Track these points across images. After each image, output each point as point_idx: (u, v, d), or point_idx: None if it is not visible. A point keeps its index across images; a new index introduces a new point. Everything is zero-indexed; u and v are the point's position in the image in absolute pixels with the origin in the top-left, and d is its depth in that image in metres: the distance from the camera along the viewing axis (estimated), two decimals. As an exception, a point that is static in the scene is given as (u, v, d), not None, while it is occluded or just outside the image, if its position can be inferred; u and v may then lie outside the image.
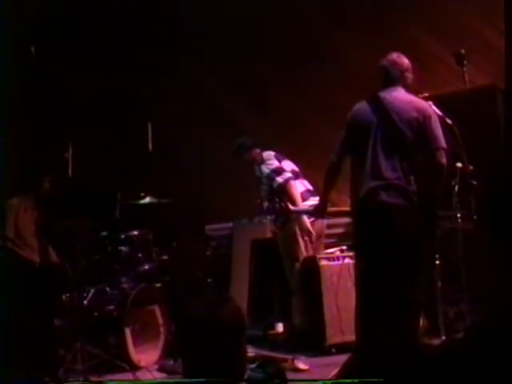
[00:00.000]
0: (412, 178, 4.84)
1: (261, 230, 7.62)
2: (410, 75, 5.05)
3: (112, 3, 8.09)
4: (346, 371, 1.93)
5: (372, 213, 4.88)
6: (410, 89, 5.05)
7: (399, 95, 4.97)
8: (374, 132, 4.92)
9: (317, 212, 5.51)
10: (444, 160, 4.81)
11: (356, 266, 5.18)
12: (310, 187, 6.82)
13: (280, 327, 6.90)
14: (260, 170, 6.77)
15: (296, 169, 6.94)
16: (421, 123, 4.84)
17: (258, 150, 6.91)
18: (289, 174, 6.67)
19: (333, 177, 5.17)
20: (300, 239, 6.67)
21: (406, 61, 5.06)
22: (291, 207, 6.13)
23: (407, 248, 4.83)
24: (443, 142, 4.84)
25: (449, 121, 5.18)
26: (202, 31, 8.25)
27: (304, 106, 7.94)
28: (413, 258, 4.83)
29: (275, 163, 6.74)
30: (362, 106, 5.06)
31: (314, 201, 6.41)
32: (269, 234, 7.45)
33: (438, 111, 5.13)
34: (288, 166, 6.79)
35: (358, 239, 5.13)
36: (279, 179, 6.66)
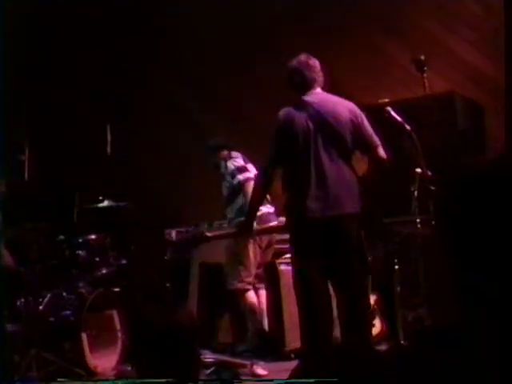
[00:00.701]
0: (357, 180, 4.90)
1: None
2: (322, 75, 5.04)
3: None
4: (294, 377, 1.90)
5: (327, 223, 4.78)
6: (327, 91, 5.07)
7: (326, 97, 4.98)
8: (313, 139, 4.83)
9: (242, 231, 5.36)
10: (385, 155, 4.89)
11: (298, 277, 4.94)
12: (271, 209, 6.75)
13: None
14: (225, 166, 6.73)
15: None
16: (355, 123, 4.88)
17: (226, 152, 6.90)
18: (250, 175, 6.65)
19: (266, 190, 5.14)
20: (250, 245, 6.61)
21: (316, 61, 5.05)
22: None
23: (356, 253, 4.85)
24: (378, 140, 4.92)
25: (408, 127, 5.20)
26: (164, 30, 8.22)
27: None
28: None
29: (241, 162, 6.72)
30: (290, 113, 4.92)
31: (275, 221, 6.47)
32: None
33: (397, 117, 5.15)
34: (252, 169, 6.77)
35: (306, 252, 4.84)
36: (240, 177, 6.63)
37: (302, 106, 4.93)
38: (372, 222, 5.96)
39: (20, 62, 7.50)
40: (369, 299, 5.18)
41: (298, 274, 4.89)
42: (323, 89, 5.04)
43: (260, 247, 6.66)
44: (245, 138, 7.60)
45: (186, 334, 2.34)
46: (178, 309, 2.41)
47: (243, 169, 6.69)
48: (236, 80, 7.96)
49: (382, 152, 4.88)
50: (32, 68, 7.80)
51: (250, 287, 6.59)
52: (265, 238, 6.66)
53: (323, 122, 4.86)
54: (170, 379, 2.18)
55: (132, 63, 8.24)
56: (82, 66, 8.00)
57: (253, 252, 6.61)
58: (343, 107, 4.93)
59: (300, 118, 4.88)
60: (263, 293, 6.65)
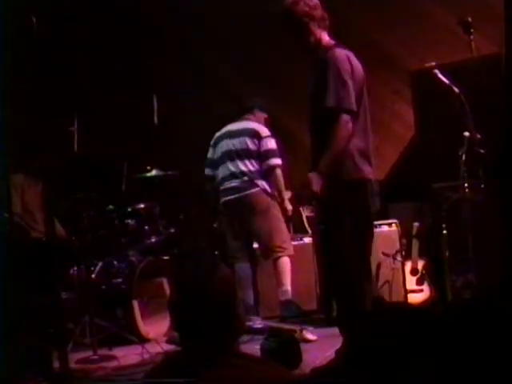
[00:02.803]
0: None
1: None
2: None
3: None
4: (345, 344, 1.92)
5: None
6: None
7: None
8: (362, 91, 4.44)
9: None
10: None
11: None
12: None
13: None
14: (265, 141, 6.68)
15: None
16: None
17: (261, 114, 6.89)
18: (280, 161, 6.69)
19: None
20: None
21: None
22: None
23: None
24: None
25: (456, 89, 5.14)
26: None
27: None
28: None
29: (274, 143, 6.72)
30: (351, 56, 4.41)
31: None
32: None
33: (445, 80, 5.09)
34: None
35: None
36: (275, 161, 6.65)
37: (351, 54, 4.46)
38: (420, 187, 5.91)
39: (62, 32, 7.56)
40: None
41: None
42: None
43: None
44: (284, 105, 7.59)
45: (223, 298, 2.34)
46: (214, 272, 2.40)
47: (278, 153, 6.68)
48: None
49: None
50: (79, 40, 7.85)
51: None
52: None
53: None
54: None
55: (178, 36, 8.24)
56: (127, 38, 8.03)
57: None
58: None
59: (358, 65, 4.41)
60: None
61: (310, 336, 5.79)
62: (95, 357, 5.53)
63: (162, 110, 6.65)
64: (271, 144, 6.66)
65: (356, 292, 4.39)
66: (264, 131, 6.69)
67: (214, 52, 8.22)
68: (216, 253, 6.87)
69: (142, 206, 6.53)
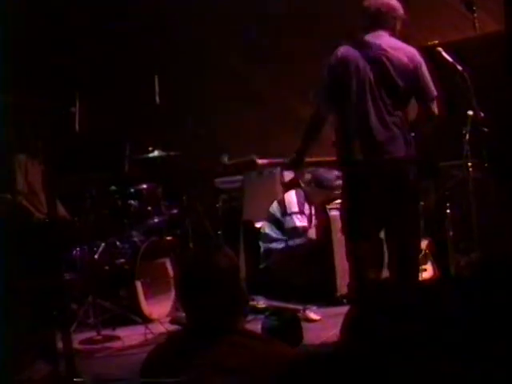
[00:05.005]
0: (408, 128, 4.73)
1: (271, 182, 7.59)
2: (399, 23, 4.84)
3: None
4: (347, 323, 1.91)
5: (379, 167, 4.67)
6: (395, 33, 4.84)
7: (389, 41, 4.74)
8: (368, 80, 4.66)
9: (292, 164, 5.29)
10: (437, 110, 4.72)
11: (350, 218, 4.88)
12: None
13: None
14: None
15: None
16: (412, 71, 4.67)
17: None
18: None
19: (319, 127, 4.87)
20: None
21: (400, 7, 4.87)
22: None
23: (413, 199, 4.81)
24: (435, 91, 4.72)
25: (459, 67, 5.10)
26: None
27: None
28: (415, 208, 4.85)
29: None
30: (348, 51, 4.74)
31: None
32: (278, 186, 7.45)
33: (448, 57, 5.06)
34: None
35: (359, 195, 4.75)
36: None
37: (361, 45, 4.74)
38: (424, 166, 5.88)
39: (63, 10, 7.52)
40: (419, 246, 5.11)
41: (349, 220, 4.84)
42: (393, 35, 4.81)
43: None
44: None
45: (226, 277, 2.34)
46: (219, 252, 2.40)
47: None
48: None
49: (435, 107, 4.70)
50: (81, 19, 7.80)
51: None
52: None
53: (379, 65, 4.67)
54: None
55: (179, 16, 8.18)
56: (128, 18, 7.98)
57: None
58: (402, 52, 4.70)
59: (356, 57, 4.70)
60: None
61: (313, 315, 5.81)
62: (99, 337, 5.56)
63: (163, 90, 6.62)
64: None
65: None
66: None
67: (215, 30, 8.15)
68: (219, 233, 6.88)
69: (145, 186, 6.53)
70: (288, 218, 6.76)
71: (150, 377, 2.33)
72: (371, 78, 4.66)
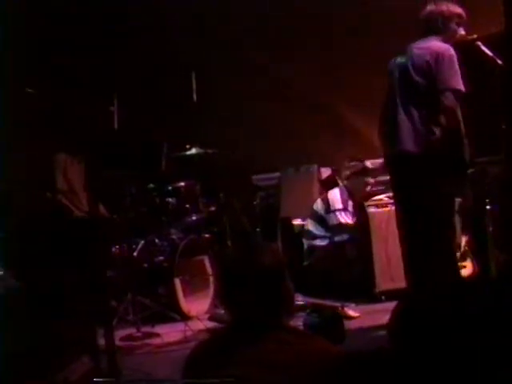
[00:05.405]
0: (433, 125, 4.78)
1: (308, 179, 7.59)
2: (451, 24, 4.91)
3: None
4: (395, 318, 1.90)
5: (398, 164, 4.97)
6: (454, 37, 4.93)
7: (425, 43, 4.90)
8: (397, 83, 4.96)
9: None
10: (448, 101, 4.71)
11: (396, 214, 5.24)
12: None
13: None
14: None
15: None
16: (432, 66, 4.76)
17: None
18: None
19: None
20: None
21: (446, 9, 4.92)
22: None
23: (435, 196, 4.83)
24: (452, 83, 4.72)
25: (499, 61, 5.04)
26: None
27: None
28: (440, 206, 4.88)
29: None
30: (391, 61, 5.08)
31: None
32: (315, 183, 7.46)
33: (488, 51, 5.01)
34: None
35: (392, 190, 5.29)
36: None
37: (404, 52, 5.01)
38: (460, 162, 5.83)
39: (97, 12, 7.56)
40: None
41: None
42: (453, 36, 4.94)
43: None
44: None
45: (272, 273, 2.33)
46: (264, 249, 2.40)
47: None
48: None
49: (445, 99, 4.72)
50: (119, 20, 7.84)
51: None
52: None
53: (403, 67, 4.93)
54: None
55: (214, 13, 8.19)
56: (164, 16, 8.01)
57: None
58: (426, 51, 4.83)
59: (393, 63, 5.03)
60: None
61: (352, 312, 5.78)
62: (139, 334, 5.60)
63: (200, 87, 6.63)
64: None
65: None
66: None
67: (251, 30, 8.15)
68: (257, 230, 6.88)
69: (183, 184, 6.55)
70: (332, 215, 6.79)
71: (193, 374, 2.33)
72: (397, 79, 4.98)
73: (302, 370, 2.13)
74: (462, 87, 4.73)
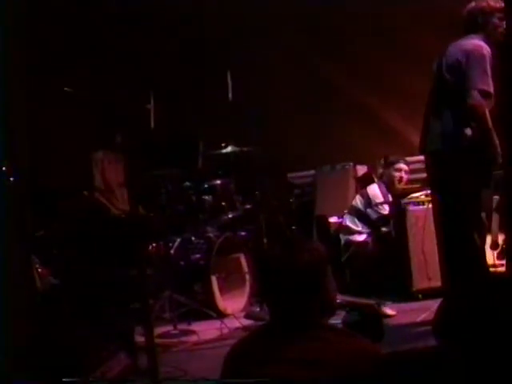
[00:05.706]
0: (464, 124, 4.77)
1: (344, 177, 7.58)
2: (493, 19, 4.83)
3: None
4: (439, 316, 1.89)
5: (430, 162, 5.06)
6: (495, 33, 4.84)
7: (461, 42, 4.88)
8: (434, 83, 4.99)
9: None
10: (473, 101, 4.67)
11: (433, 212, 5.29)
12: None
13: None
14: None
15: None
16: (463, 65, 4.74)
17: None
18: None
19: None
20: None
21: (486, 4, 4.86)
22: None
23: (460, 195, 4.84)
24: (477, 82, 4.68)
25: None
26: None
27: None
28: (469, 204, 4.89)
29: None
30: (437, 58, 5.04)
31: None
32: (351, 180, 7.45)
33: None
34: None
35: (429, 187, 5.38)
36: None
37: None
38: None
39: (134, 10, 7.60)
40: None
41: None
42: (494, 32, 4.84)
43: None
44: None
45: (313, 271, 2.32)
46: (303, 246, 2.38)
47: None
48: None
49: (468, 97, 4.70)
50: (156, 20, 7.88)
51: None
52: None
53: (438, 67, 4.94)
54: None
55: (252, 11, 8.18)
56: (201, 14, 8.02)
57: None
58: (458, 49, 4.84)
59: (434, 63, 5.03)
60: None
61: (388, 311, 5.76)
62: (175, 331, 5.62)
63: (236, 85, 6.65)
64: None
65: None
66: None
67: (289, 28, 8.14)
68: (293, 227, 6.89)
69: (219, 182, 6.57)
70: (374, 209, 6.81)
71: (233, 371, 2.33)
72: (434, 77, 5.01)
73: (342, 368, 2.13)
74: (487, 87, 4.68)
